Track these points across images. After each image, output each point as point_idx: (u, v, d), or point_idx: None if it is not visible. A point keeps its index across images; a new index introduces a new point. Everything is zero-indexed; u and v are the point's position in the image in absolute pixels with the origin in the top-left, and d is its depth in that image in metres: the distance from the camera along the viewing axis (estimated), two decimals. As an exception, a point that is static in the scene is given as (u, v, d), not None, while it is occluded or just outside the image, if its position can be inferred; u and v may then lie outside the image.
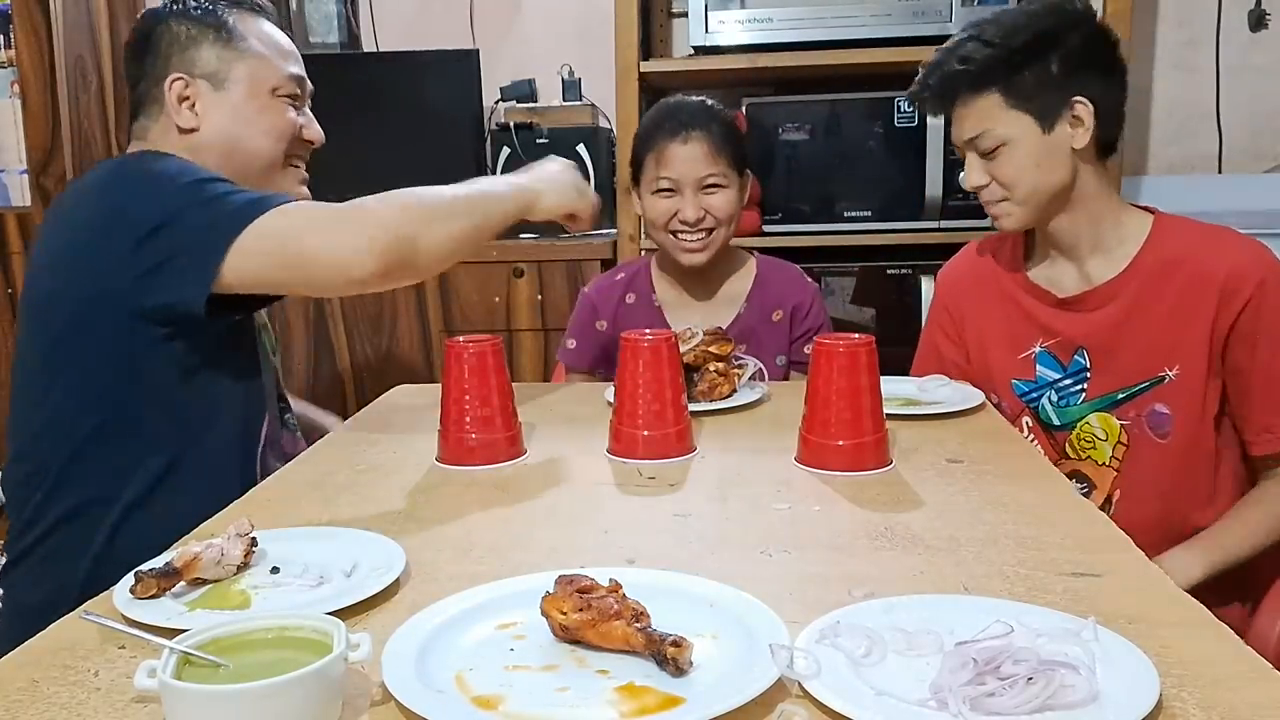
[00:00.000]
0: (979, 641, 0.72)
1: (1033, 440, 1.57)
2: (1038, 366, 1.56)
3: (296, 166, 1.50)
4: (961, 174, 1.56)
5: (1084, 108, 1.43)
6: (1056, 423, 1.55)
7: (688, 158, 1.77)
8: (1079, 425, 1.52)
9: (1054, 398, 1.54)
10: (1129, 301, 1.46)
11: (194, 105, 1.41)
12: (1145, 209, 1.52)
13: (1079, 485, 1.52)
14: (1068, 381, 1.52)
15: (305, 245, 1.22)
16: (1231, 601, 1.43)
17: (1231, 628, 0.79)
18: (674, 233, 1.79)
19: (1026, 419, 1.58)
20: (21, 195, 2.58)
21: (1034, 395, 1.57)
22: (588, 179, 2.62)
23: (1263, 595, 1.38)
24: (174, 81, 1.40)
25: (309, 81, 1.52)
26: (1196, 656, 0.74)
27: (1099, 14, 2.38)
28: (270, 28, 1.48)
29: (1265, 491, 1.45)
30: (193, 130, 1.41)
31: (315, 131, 1.51)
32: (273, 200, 1.25)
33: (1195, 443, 1.45)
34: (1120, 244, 1.48)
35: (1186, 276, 1.42)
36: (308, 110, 1.51)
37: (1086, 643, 0.72)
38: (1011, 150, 1.45)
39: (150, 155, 1.38)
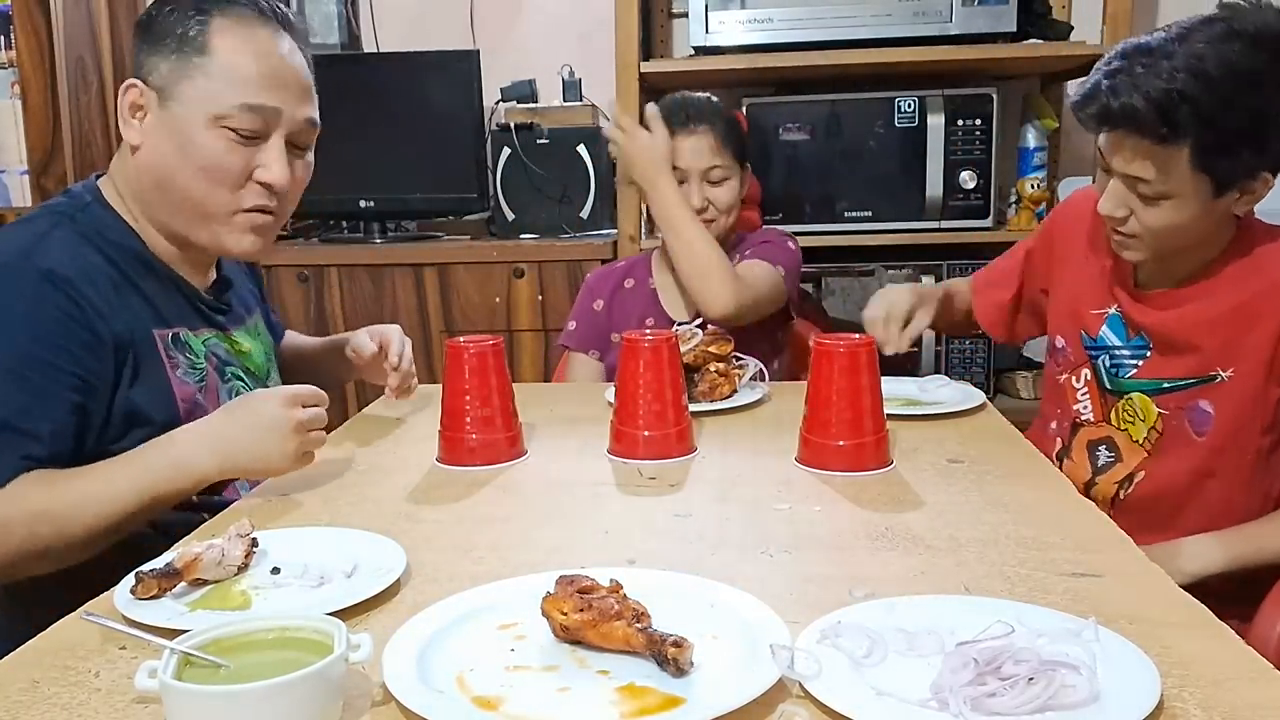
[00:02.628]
0: (980, 642, 0.72)
1: (1085, 392, 1.55)
2: (1106, 327, 1.52)
3: (250, 212, 1.26)
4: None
5: (1265, 185, 1.30)
6: (1108, 387, 1.52)
7: (695, 150, 1.83)
8: (1124, 398, 1.50)
9: (1107, 362, 1.52)
10: (1197, 304, 1.41)
11: (145, 119, 1.23)
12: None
13: (1108, 453, 1.51)
14: (1126, 352, 1.49)
15: None
16: (1233, 602, 1.43)
17: (1232, 628, 0.79)
18: None
19: (1086, 371, 1.55)
20: (22, 195, 2.57)
21: (1096, 353, 1.54)
22: (588, 178, 2.66)
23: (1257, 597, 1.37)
24: (129, 87, 1.23)
25: (297, 113, 1.26)
26: (1197, 657, 0.74)
27: (1100, 17, 2.40)
28: (262, 43, 1.23)
29: None
30: (136, 148, 1.24)
31: (273, 174, 1.24)
32: None
33: (1234, 448, 1.41)
34: (1207, 260, 1.42)
35: (1259, 282, 1.37)
36: (275, 147, 1.24)
37: (1087, 643, 0.73)
38: (1173, 205, 1.30)
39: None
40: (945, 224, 2.42)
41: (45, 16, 2.47)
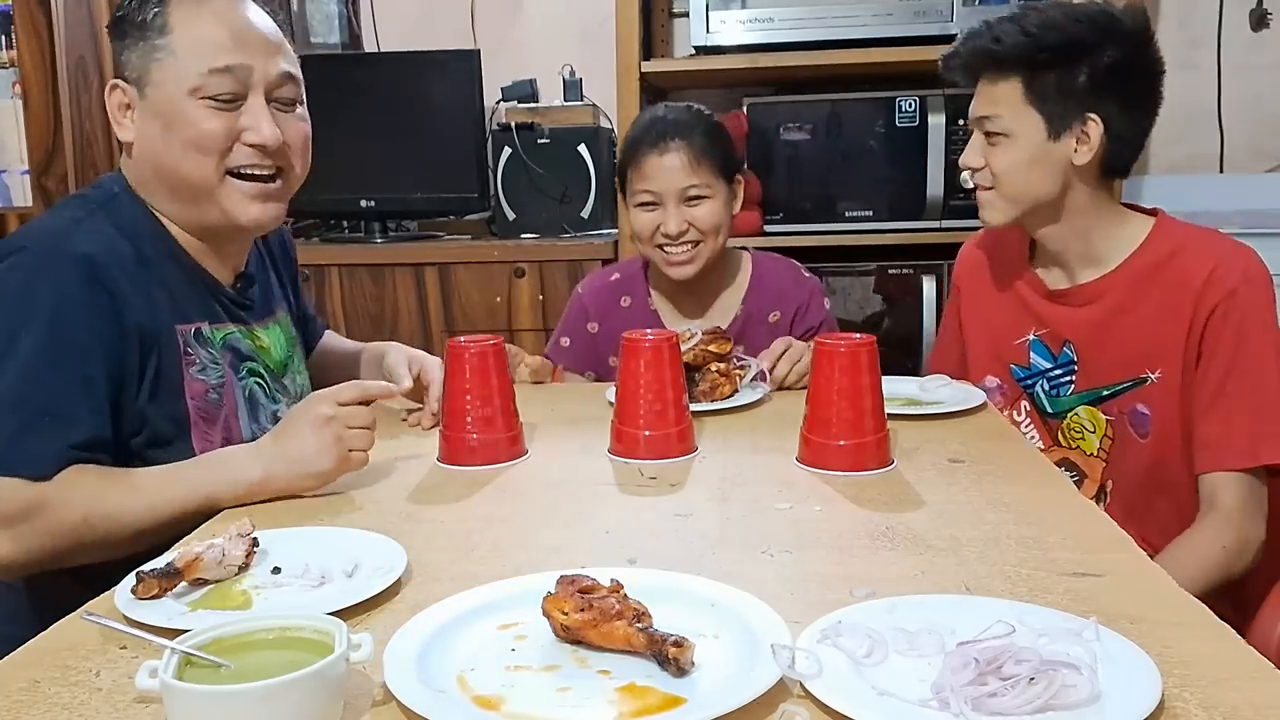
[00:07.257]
0: (981, 641, 0.72)
1: (1029, 424, 1.59)
2: (1031, 354, 1.57)
3: (247, 178, 1.26)
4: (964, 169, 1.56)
5: (1095, 126, 1.41)
6: (1049, 410, 1.56)
7: (667, 169, 1.72)
8: (1069, 415, 1.54)
9: (1045, 386, 1.56)
10: (1113, 302, 1.47)
11: (131, 114, 1.25)
12: (1149, 212, 1.50)
13: (1070, 474, 1.53)
14: (1058, 372, 1.54)
15: None
16: (1230, 604, 1.43)
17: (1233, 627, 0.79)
18: (659, 246, 1.75)
19: (1024, 403, 1.60)
20: (23, 195, 2.58)
21: (1029, 381, 1.58)
22: (588, 178, 2.66)
23: (1257, 597, 1.37)
24: (112, 88, 1.25)
25: (270, 68, 1.24)
26: (1198, 656, 0.74)
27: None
28: (218, 9, 1.23)
29: (1192, 540, 1.37)
30: (131, 145, 1.26)
31: (260, 133, 1.23)
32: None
33: (1174, 445, 1.44)
34: (1113, 252, 1.47)
35: (1170, 281, 1.42)
36: (256, 105, 1.24)
37: (1088, 643, 0.72)
38: (1011, 144, 1.44)
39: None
40: (945, 224, 2.42)
41: (46, 16, 2.47)
